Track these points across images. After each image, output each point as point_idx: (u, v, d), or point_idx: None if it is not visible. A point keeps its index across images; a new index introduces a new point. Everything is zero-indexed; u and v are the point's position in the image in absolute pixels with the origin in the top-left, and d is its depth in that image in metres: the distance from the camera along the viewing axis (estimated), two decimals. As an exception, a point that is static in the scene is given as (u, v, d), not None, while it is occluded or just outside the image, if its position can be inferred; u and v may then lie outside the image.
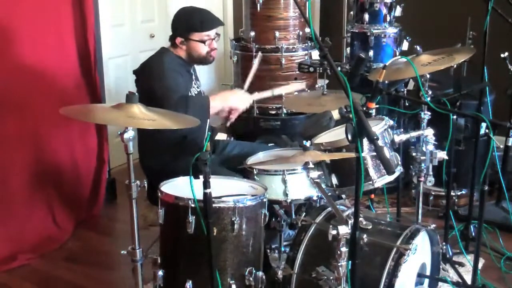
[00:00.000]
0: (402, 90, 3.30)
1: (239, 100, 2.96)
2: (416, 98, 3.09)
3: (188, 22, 2.95)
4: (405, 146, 2.82)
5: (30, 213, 3.42)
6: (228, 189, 2.37)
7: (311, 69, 3.14)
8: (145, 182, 2.17)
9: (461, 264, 3.07)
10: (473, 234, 3.19)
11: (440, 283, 2.76)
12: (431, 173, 2.67)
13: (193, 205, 2.19)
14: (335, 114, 2.45)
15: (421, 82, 2.63)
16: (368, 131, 1.75)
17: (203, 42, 2.93)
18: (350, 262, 1.95)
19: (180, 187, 2.34)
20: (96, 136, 3.83)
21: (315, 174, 2.51)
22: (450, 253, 3.05)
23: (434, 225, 2.51)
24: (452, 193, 3.59)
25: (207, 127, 3.05)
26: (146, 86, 2.82)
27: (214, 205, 2.11)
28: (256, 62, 3.34)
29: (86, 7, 3.60)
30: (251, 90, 4.08)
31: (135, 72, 2.99)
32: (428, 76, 2.71)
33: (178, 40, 2.95)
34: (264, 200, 2.38)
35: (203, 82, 3.67)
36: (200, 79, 3.21)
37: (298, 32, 4.10)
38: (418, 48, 2.73)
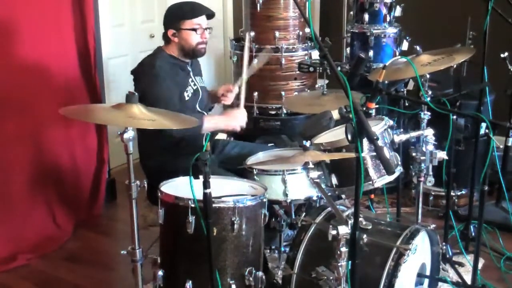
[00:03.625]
0: (402, 90, 3.30)
1: (232, 122, 2.95)
2: (416, 98, 3.10)
3: (179, 12, 2.98)
4: (405, 146, 2.82)
5: (30, 213, 3.42)
6: (228, 189, 2.37)
7: (311, 69, 3.14)
8: (145, 182, 2.17)
9: (461, 264, 3.07)
10: (473, 234, 3.19)
11: (440, 283, 2.76)
12: (431, 173, 2.67)
13: (193, 205, 2.19)
14: (335, 114, 2.45)
15: (421, 82, 2.63)
16: (368, 131, 1.75)
17: (195, 30, 2.94)
18: (350, 262, 1.95)
19: (180, 187, 2.34)
20: (96, 136, 3.83)
21: (315, 174, 2.51)
22: (450, 253, 3.05)
23: (434, 225, 2.51)
24: (452, 193, 3.59)
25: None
26: (140, 90, 2.83)
27: (214, 205, 2.11)
28: (256, 61, 3.35)
29: (86, 7, 3.60)
30: (251, 91, 4.09)
31: (132, 72, 2.99)
32: (428, 76, 2.71)
33: (170, 32, 2.96)
34: (264, 200, 2.38)
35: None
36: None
37: (298, 32, 4.10)
38: (418, 48, 2.73)
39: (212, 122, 2.93)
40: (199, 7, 3.00)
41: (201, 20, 2.96)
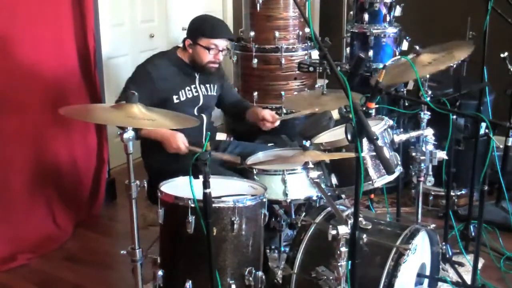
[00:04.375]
0: (402, 90, 3.30)
1: (166, 144, 2.81)
2: (416, 98, 3.10)
3: (200, 27, 2.98)
4: (405, 146, 2.82)
5: (30, 213, 3.42)
6: (228, 189, 2.37)
7: (311, 69, 3.14)
8: (145, 182, 2.17)
9: (461, 264, 3.07)
10: (473, 234, 3.19)
11: (439, 283, 2.76)
12: (431, 173, 2.67)
13: (193, 205, 2.19)
14: (335, 114, 2.45)
15: (421, 82, 2.63)
16: (368, 131, 1.75)
17: (208, 49, 2.93)
18: (350, 262, 1.95)
19: (180, 187, 2.35)
20: (96, 136, 3.83)
21: (314, 174, 2.51)
22: (450, 253, 3.05)
23: (434, 225, 2.51)
24: (452, 193, 3.59)
25: (204, 126, 3.05)
26: None
27: (214, 205, 2.12)
28: None
29: (86, 7, 3.60)
30: (251, 91, 4.10)
31: None
32: (428, 76, 2.71)
33: (187, 42, 2.98)
34: (264, 200, 2.38)
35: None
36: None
37: (298, 32, 4.10)
38: (418, 48, 2.73)
39: (153, 132, 2.84)
40: (221, 29, 2.99)
41: (219, 42, 2.95)
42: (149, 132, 2.83)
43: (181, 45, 3.05)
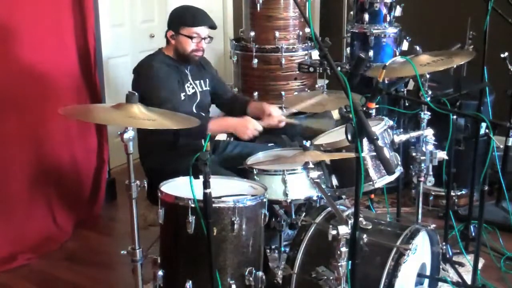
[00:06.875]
0: (402, 90, 3.30)
1: (240, 130, 2.87)
2: (416, 98, 3.09)
3: (181, 17, 3.00)
4: (405, 146, 2.83)
5: (30, 213, 3.42)
6: (228, 189, 2.37)
7: (311, 69, 3.14)
8: (145, 182, 2.18)
9: (461, 264, 3.07)
10: (473, 234, 3.19)
11: (440, 283, 2.76)
12: (431, 173, 2.67)
13: (193, 205, 2.19)
14: (335, 114, 2.45)
15: (421, 82, 2.63)
16: (368, 131, 1.75)
17: (191, 38, 2.95)
18: (350, 262, 1.95)
19: (180, 187, 2.34)
20: (96, 136, 3.83)
21: (315, 174, 2.51)
22: (450, 253, 3.05)
23: (434, 225, 2.51)
24: (452, 193, 3.59)
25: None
26: (140, 91, 2.84)
27: (214, 205, 2.11)
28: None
29: (86, 7, 3.60)
30: (251, 91, 4.10)
31: (133, 71, 3.03)
32: (428, 76, 2.71)
33: (169, 33, 3.00)
34: (264, 200, 2.38)
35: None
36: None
37: (298, 32, 4.10)
38: (418, 48, 2.73)
39: (219, 124, 2.92)
40: (202, 17, 3.00)
41: (201, 30, 2.97)
42: (219, 127, 2.91)
43: (164, 46, 3.06)
